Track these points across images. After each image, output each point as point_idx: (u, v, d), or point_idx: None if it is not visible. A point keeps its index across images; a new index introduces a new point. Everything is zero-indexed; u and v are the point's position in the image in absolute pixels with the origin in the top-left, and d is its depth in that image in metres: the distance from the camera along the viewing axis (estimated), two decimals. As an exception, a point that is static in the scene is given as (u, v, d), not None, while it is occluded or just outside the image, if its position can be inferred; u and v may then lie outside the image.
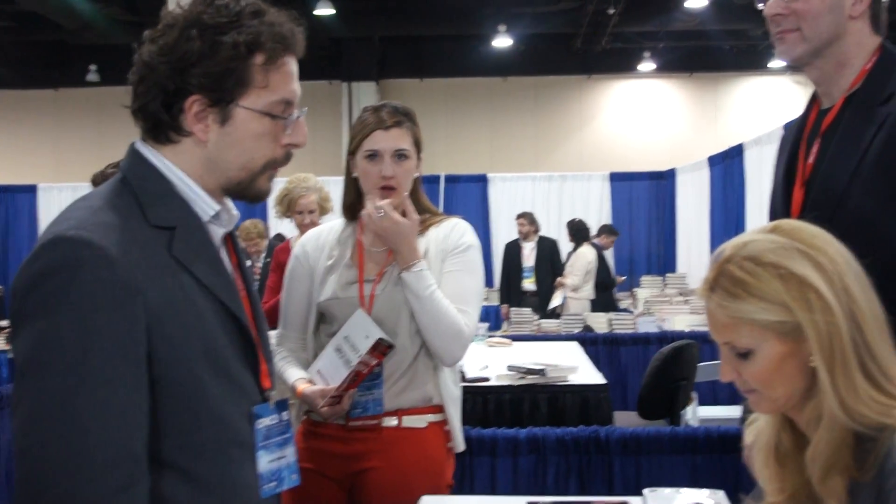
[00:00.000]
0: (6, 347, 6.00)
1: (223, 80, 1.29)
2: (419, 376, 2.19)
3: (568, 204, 11.94)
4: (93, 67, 12.98)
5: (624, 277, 10.56)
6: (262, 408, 1.38)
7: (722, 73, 13.56)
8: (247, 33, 1.29)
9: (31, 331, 1.16)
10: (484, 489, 3.15)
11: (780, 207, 1.99)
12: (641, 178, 12.28)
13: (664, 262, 11.81)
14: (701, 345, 4.75)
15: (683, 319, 7.22)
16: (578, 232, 8.75)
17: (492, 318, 8.60)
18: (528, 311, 7.59)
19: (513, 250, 8.69)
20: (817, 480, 1.26)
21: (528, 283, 8.48)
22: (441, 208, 8.89)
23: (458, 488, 2.61)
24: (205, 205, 1.35)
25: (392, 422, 2.17)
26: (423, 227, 2.23)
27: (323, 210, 4.46)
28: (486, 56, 12.98)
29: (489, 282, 10.43)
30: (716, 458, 3.14)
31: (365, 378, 2.12)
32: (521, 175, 12.38)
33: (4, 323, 6.62)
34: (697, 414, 4.98)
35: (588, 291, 8.48)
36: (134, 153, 1.35)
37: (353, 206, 2.30)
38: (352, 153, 2.24)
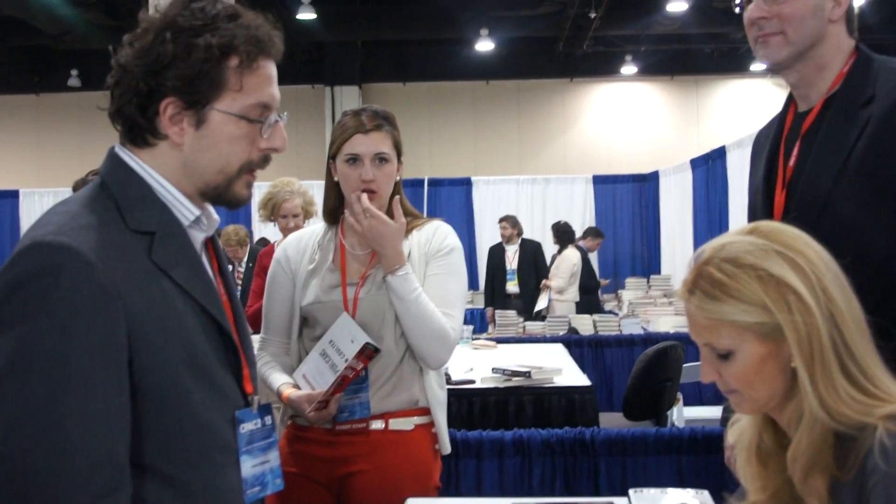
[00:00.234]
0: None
1: (196, 82, 1.29)
2: (405, 379, 2.19)
3: (552, 206, 11.99)
4: (74, 72, 12.92)
5: (608, 280, 10.60)
6: (244, 412, 1.38)
7: (703, 75, 13.65)
8: (221, 36, 1.29)
9: (11, 336, 1.15)
10: (470, 491, 3.16)
11: (761, 210, 2.00)
12: (625, 181, 12.34)
13: (648, 263, 11.87)
14: (686, 346, 4.76)
15: (668, 321, 7.25)
16: (564, 234, 8.77)
17: (477, 321, 8.62)
18: (512, 313, 7.61)
19: (497, 253, 8.72)
20: (799, 480, 1.26)
21: (513, 286, 8.50)
22: (425, 212, 8.91)
23: (445, 490, 2.61)
24: (185, 209, 1.35)
25: (378, 425, 2.17)
26: (406, 230, 2.23)
27: (307, 214, 4.46)
28: (468, 60, 13.00)
29: (474, 285, 10.45)
30: (701, 458, 3.16)
31: (351, 382, 2.11)
32: (505, 178, 12.42)
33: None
34: (683, 414, 5.00)
35: (573, 294, 8.50)
36: (113, 157, 1.35)
37: (334, 210, 2.30)
38: (332, 157, 2.24)
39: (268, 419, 1.43)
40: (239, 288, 5.99)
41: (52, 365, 1.14)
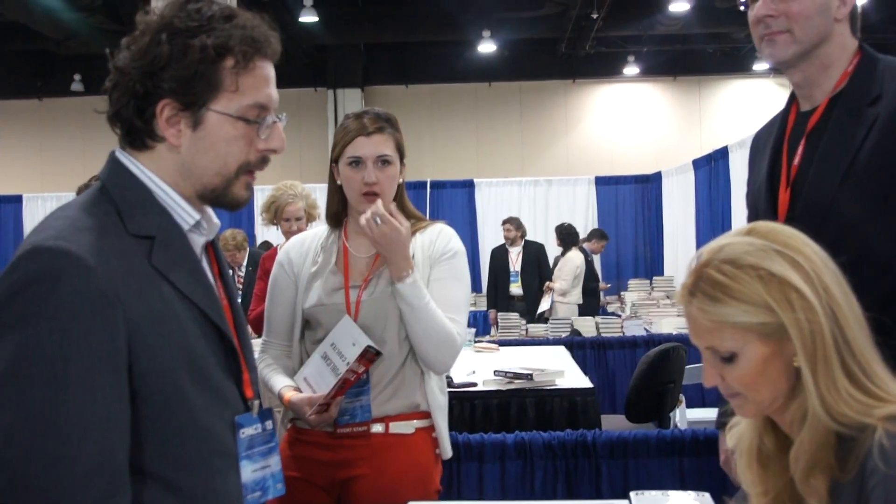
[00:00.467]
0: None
1: (192, 83, 1.29)
2: (407, 383, 2.19)
3: (554, 208, 11.98)
4: (77, 77, 12.96)
5: (609, 284, 10.59)
6: (244, 417, 1.38)
7: (705, 76, 13.65)
8: (216, 37, 1.29)
9: (10, 341, 1.15)
10: (472, 494, 3.16)
11: (764, 210, 2.00)
12: (627, 182, 12.33)
13: (651, 265, 11.86)
14: (688, 347, 4.75)
15: (670, 322, 7.24)
16: (568, 236, 8.77)
17: (480, 324, 8.60)
18: (515, 315, 7.60)
19: (500, 255, 8.70)
20: (800, 479, 1.26)
21: (515, 288, 8.48)
22: (428, 214, 8.91)
23: (446, 494, 2.61)
24: (184, 213, 1.35)
25: (379, 428, 2.17)
26: (410, 233, 2.22)
27: (310, 217, 4.46)
28: (470, 62, 13.01)
29: (477, 287, 10.45)
30: (703, 460, 3.15)
31: (352, 385, 2.11)
32: (508, 180, 12.41)
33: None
34: (685, 416, 4.99)
35: (576, 296, 8.49)
36: (113, 161, 1.35)
37: (338, 213, 2.29)
38: (335, 160, 2.24)
39: (268, 424, 1.43)
40: (240, 292, 5.99)
41: (51, 370, 1.14)
